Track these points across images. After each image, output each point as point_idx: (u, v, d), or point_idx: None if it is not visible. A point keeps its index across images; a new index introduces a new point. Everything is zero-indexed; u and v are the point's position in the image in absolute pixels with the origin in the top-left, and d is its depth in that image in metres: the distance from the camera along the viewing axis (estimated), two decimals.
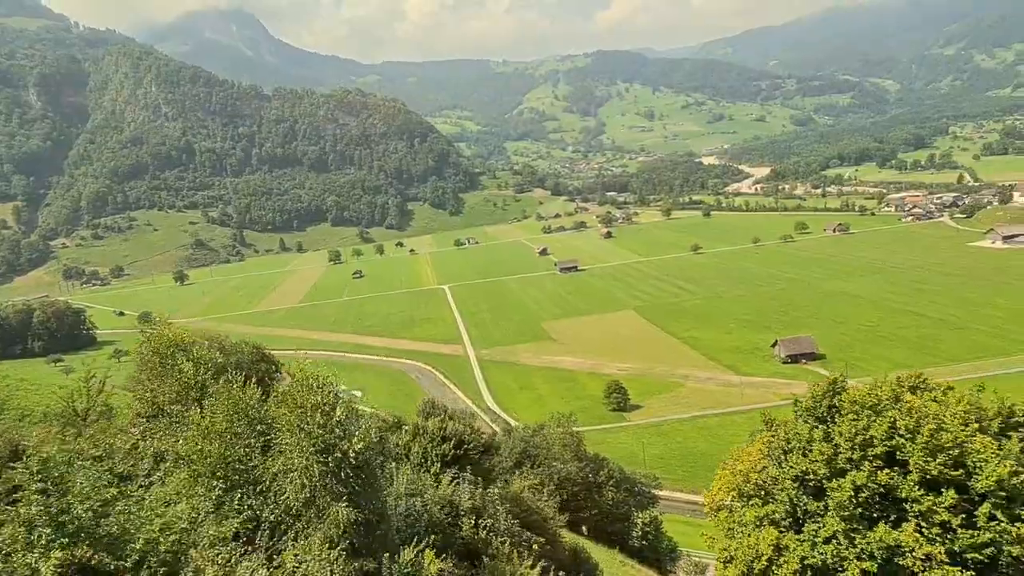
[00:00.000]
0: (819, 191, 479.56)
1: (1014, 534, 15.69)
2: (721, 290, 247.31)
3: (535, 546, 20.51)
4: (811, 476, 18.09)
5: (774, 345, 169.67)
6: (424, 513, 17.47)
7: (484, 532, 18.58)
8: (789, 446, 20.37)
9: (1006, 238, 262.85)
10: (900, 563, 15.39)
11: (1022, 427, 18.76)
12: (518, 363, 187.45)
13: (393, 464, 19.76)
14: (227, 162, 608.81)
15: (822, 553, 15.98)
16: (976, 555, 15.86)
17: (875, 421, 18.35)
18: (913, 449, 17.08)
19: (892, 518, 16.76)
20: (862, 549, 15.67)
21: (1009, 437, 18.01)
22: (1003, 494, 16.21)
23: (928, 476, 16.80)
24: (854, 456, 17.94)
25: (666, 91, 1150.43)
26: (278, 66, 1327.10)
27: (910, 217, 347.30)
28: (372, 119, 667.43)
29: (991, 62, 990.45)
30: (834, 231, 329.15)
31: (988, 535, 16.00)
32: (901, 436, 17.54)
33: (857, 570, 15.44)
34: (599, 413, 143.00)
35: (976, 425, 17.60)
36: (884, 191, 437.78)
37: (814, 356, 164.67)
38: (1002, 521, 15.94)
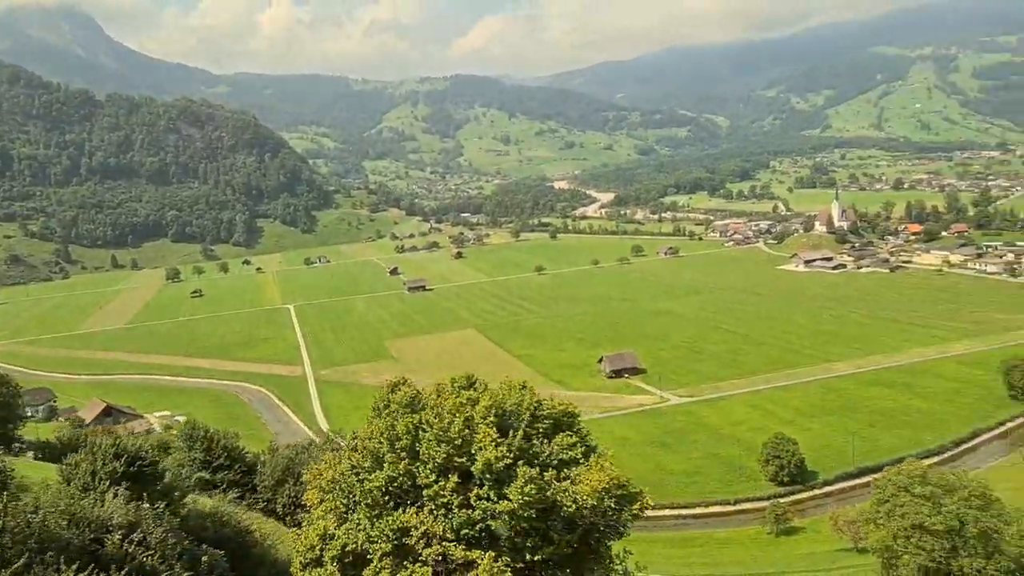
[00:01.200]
0: (656, 216, 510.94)
1: (498, 510, 18.31)
2: (559, 309, 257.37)
3: (205, 558, 21.24)
4: (359, 469, 20.14)
5: (600, 361, 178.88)
6: (39, 530, 17.68)
7: (132, 546, 19.07)
8: (354, 443, 22.61)
9: (807, 262, 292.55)
10: (407, 542, 17.56)
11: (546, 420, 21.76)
12: (356, 383, 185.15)
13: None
14: (51, 171, 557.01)
15: (355, 540, 17.88)
16: (469, 531, 18.36)
17: (405, 417, 20.80)
18: (427, 440, 19.53)
19: (413, 504, 19.00)
20: (380, 532, 17.70)
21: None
22: (491, 476, 18.84)
23: (438, 463, 19.21)
24: (382, 450, 20.21)
25: (522, 117, 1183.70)
26: (120, 71, 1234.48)
27: (731, 242, 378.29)
28: (219, 131, 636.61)
29: (804, 105, 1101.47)
30: (665, 254, 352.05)
31: (477, 512, 18.55)
32: (422, 430, 20.02)
33: (379, 551, 17.47)
34: None
35: (492, 419, 20.26)
36: (712, 218, 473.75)
37: (636, 370, 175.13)
38: (492, 499, 18.54)
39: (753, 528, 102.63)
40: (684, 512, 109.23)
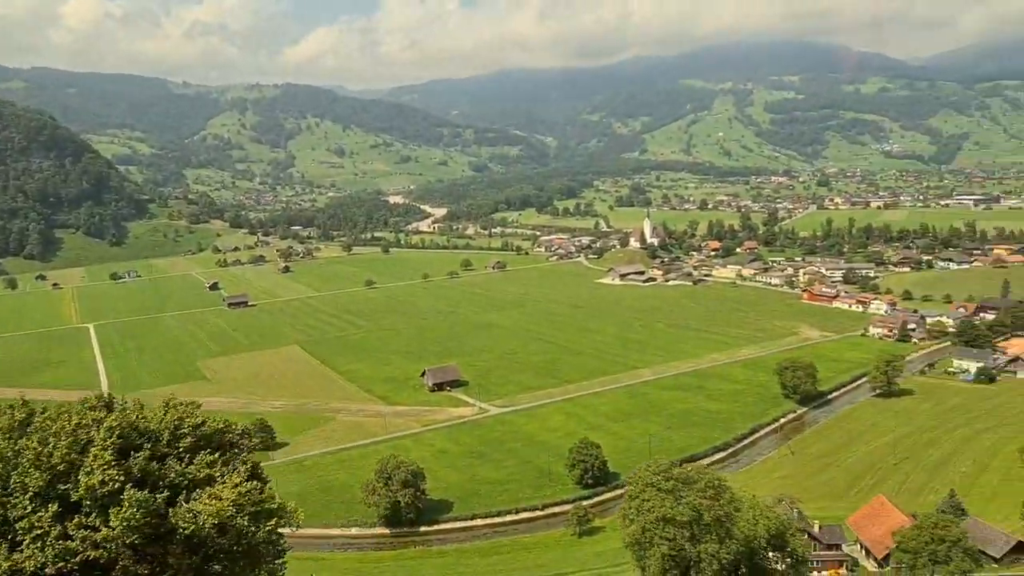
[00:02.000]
0: (487, 232, 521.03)
1: (98, 538, 17.53)
2: (387, 323, 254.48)
3: None
4: None
5: (423, 374, 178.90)
6: None
7: None
8: None
9: (621, 276, 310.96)
10: None
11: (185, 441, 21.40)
12: None
13: None
14: None
15: None
16: (67, 563, 17.40)
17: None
18: (22, 467, 18.43)
19: (11, 537, 17.71)
20: None
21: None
22: (94, 503, 18.12)
23: (36, 491, 18.14)
24: None
25: (357, 130, 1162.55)
26: None
27: (555, 257, 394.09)
28: (8, 130, 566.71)
29: (625, 130, 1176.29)
30: (493, 268, 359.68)
31: (76, 543, 17.65)
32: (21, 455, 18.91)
33: None
34: None
35: (115, 441, 19.48)
36: (539, 233, 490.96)
37: (458, 383, 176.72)
38: (95, 527, 17.72)
39: (559, 531, 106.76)
40: (496, 520, 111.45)
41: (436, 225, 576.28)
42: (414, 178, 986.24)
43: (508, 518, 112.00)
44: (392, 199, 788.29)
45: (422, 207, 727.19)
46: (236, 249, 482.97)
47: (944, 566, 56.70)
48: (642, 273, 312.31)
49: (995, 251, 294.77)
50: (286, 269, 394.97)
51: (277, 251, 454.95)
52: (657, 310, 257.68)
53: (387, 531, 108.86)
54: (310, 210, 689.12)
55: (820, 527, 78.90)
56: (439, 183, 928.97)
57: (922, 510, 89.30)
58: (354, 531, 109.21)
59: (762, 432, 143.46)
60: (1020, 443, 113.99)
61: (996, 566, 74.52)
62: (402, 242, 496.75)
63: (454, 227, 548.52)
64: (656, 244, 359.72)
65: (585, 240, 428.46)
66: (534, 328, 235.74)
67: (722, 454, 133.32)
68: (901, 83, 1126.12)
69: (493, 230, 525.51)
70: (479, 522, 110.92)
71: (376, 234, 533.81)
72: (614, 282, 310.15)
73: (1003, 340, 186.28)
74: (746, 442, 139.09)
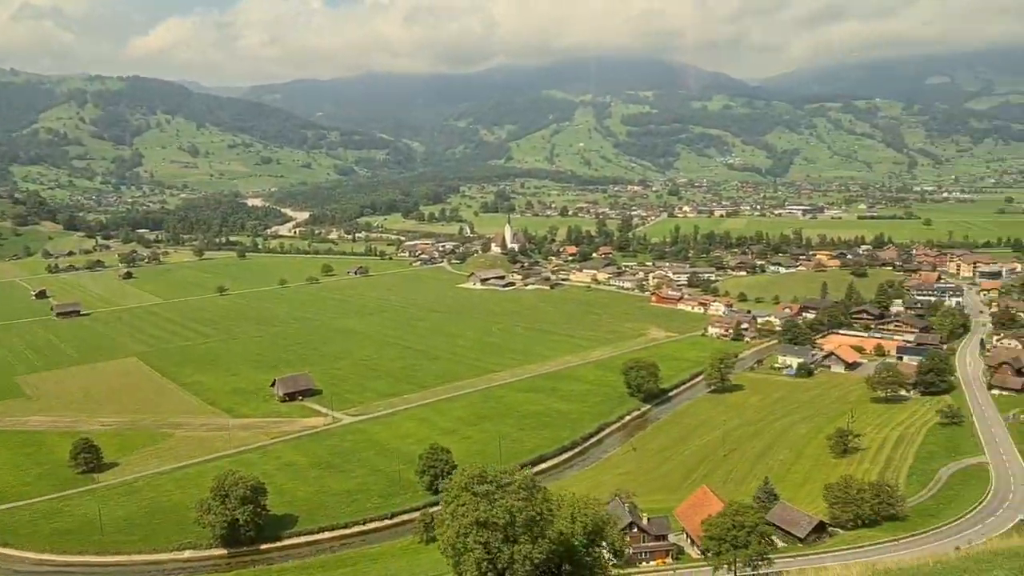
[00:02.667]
0: (351, 236, 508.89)
1: None
2: (238, 331, 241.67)
3: None
4: None
5: (273, 384, 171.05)
6: None
7: None
8: None
9: (483, 280, 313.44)
10: None
11: None
12: None
13: None
14: None
15: None
16: None
17: None
18: None
19: None
20: None
21: None
22: None
23: None
24: None
25: (212, 128, 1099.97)
26: None
27: (419, 262, 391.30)
28: None
29: (491, 137, 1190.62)
30: (355, 273, 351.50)
31: None
32: None
33: None
34: (63, 478, 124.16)
35: None
36: (403, 239, 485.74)
37: (312, 392, 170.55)
38: None
39: (407, 539, 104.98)
40: (343, 533, 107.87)
41: (298, 229, 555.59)
42: (276, 180, 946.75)
43: (356, 529, 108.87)
44: (251, 202, 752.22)
45: (283, 211, 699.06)
46: (71, 254, 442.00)
47: (744, 550, 61.10)
48: (502, 278, 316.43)
49: (817, 256, 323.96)
50: (128, 275, 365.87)
51: (119, 256, 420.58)
52: (516, 314, 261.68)
53: (224, 552, 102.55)
54: (159, 212, 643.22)
55: (649, 519, 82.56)
56: (302, 186, 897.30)
57: (742, 498, 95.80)
58: (187, 554, 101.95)
59: (609, 430, 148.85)
60: (829, 431, 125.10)
61: (801, 545, 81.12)
62: (260, 247, 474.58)
63: (317, 231, 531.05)
64: (517, 249, 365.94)
65: (449, 245, 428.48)
66: (393, 334, 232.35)
67: (570, 453, 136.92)
68: (742, 101, 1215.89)
69: (357, 235, 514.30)
70: (325, 535, 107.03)
71: (232, 238, 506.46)
72: (475, 287, 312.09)
73: (821, 337, 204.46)
74: (593, 440, 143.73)
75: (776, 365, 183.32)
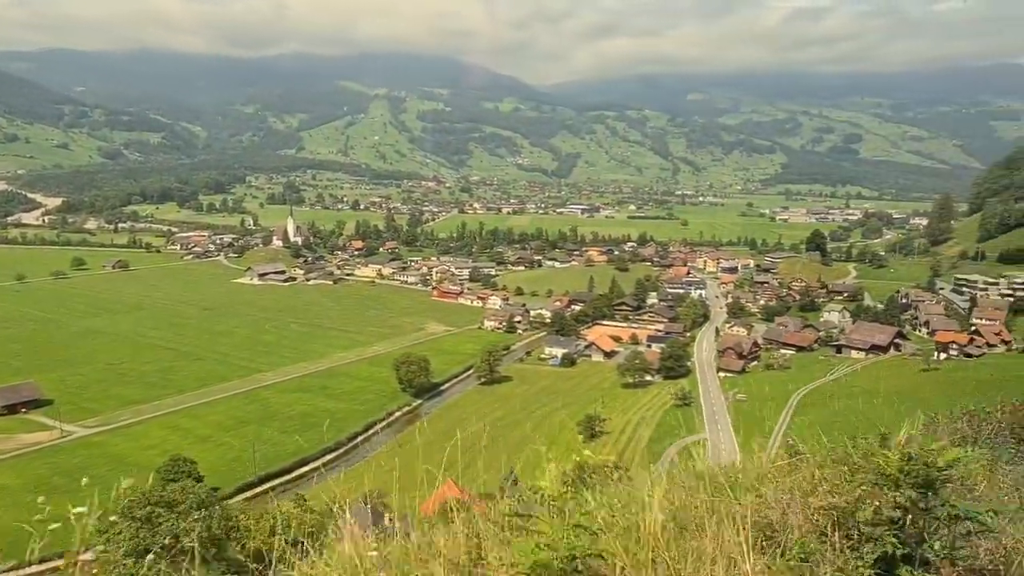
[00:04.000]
0: (113, 227, 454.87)
1: None
2: None
3: None
4: None
5: None
6: None
7: None
8: None
9: (261, 275, 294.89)
10: None
11: None
12: None
13: None
14: None
15: None
16: None
17: None
18: None
19: None
20: None
21: None
22: None
23: None
24: None
25: None
26: None
27: (191, 255, 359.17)
28: None
29: (282, 125, 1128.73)
30: (112, 268, 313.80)
31: None
32: None
33: None
34: None
35: None
36: (177, 230, 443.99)
37: (38, 403, 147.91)
38: None
39: None
40: (55, 564, 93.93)
41: (47, 217, 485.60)
42: (24, 161, 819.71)
43: (61, 563, 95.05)
44: None
45: (32, 196, 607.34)
46: None
47: None
48: (283, 272, 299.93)
49: (589, 252, 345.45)
50: None
51: None
52: (293, 310, 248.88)
53: None
54: None
55: (390, 518, 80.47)
56: (58, 169, 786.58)
57: (493, 486, 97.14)
58: None
59: (378, 428, 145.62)
60: (582, 418, 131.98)
61: None
62: None
63: (70, 220, 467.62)
64: (300, 243, 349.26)
65: (227, 238, 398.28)
66: (152, 334, 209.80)
67: (335, 454, 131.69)
68: (531, 105, 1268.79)
69: (121, 225, 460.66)
70: (33, 570, 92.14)
71: None
72: (252, 282, 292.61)
73: (587, 328, 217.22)
74: (360, 439, 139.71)
75: (542, 356, 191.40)
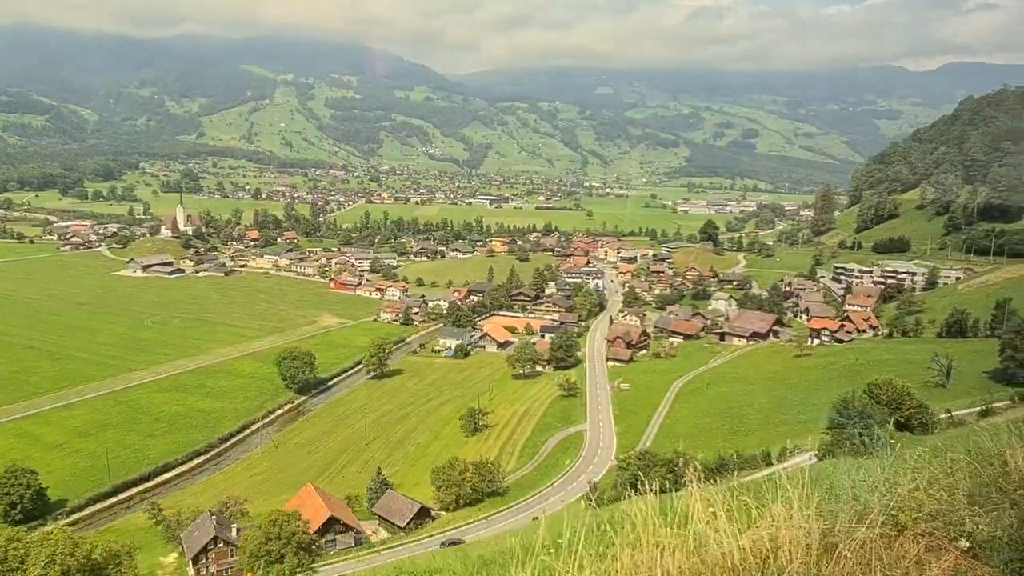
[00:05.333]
0: None
1: None
2: None
3: None
4: None
5: None
6: None
7: None
8: None
9: (145, 267, 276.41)
10: None
11: None
12: None
13: None
14: None
15: None
16: None
17: None
18: None
19: None
20: None
21: None
22: None
23: None
24: None
25: None
26: None
27: (69, 246, 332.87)
28: None
29: (181, 110, 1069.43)
30: None
31: None
32: None
33: None
34: None
35: None
36: (56, 219, 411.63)
37: None
38: None
39: None
40: None
41: None
42: None
43: None
44: None
45: None
46: None
47: (278, 564, 56.32)
48: (170, 264, 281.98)
49: (492, 243, 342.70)
50: None
51: None
52: (178, 304, 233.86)
53: None
54: None
55: (238, 530, 74.33)
56: None
57: (359, 491, 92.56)
58: None
59: (255, 427, 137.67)
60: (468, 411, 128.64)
61: (403, 534, 79.62)
62: None
63: None
64: (191, 233, 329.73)
65: (112, 228, 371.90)
66: (13, 332, 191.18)
67: (204, 457, 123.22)
68: (442, 95, 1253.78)
69: None
70: None
71: None
72: (135, 274, 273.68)
73: (484, 319, 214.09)
74: (235, 440, 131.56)
75: (437, 348, 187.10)
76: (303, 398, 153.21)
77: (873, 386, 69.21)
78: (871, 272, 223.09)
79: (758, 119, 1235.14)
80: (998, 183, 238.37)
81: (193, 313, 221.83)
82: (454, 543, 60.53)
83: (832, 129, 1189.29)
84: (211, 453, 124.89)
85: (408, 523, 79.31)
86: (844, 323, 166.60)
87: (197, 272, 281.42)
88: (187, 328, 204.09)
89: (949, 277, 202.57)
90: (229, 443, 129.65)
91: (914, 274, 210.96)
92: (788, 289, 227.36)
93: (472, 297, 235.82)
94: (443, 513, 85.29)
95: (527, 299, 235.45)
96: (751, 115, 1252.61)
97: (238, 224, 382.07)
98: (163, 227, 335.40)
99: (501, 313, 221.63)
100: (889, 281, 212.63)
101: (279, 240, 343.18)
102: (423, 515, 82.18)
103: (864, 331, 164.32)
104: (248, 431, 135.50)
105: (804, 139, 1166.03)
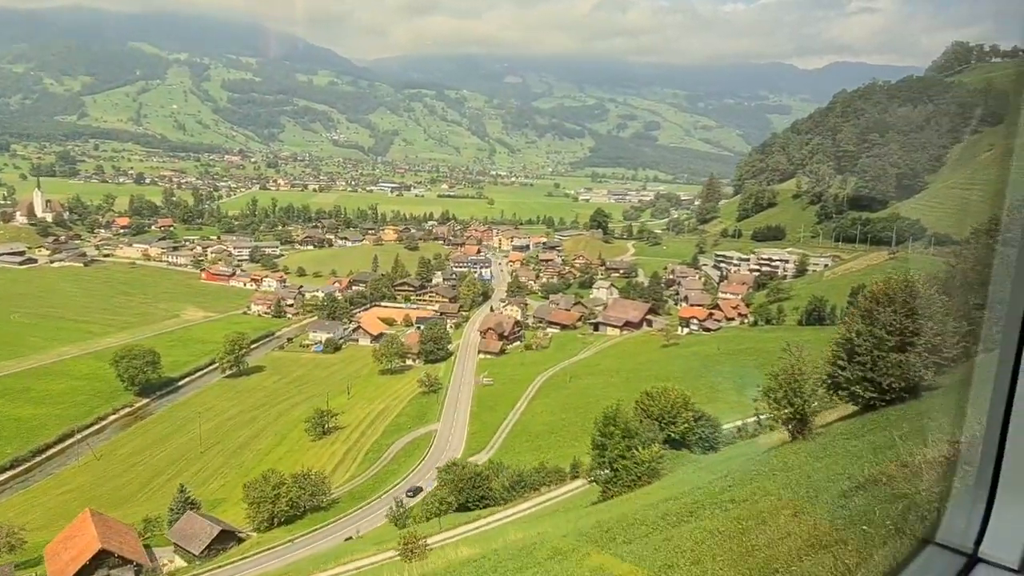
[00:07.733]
0: None
1: None
2: None
3: None
4: None
5: None
6: None
7: None
8: None
9: None
10: None
11: None
12: None
13: None
14: None
15: None
16: None
17: None
18: None
19: None
20: None
21: None
22: None
23: None
24: None
25: None
26: None
27: None
28: None
29: (61, 88, 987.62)
30: None
31: None
32: None
33: None
34: None
35: None
36: None
37: None
38: None
39: None
40: None
41: None
42: None
43: None
44: None
45: None
46: None
47: None
48: (21, 253, 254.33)
49: (385, 231, 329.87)
50: None
51: None
52: (23, 297, 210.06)
53: None
54: None
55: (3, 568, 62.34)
56: None
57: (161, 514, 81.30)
58: None
59: (79, 436, 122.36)
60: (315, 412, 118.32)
61: (198, 562, 69.47)
62: None
63: None
64: (51, 220, 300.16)
65: None
66: None
67: (9, 474, 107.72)
68: (347, 80, 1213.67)
69: None
70: None
71: None
72: None
73: (364, 311, 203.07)
74: (52, 451, 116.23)
75: (305, 342, 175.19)
76: (144, 401, 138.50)
77: (645, 396, 64.05)
78: (748, 260, 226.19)
79: (660, 112, 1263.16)
80: (865, 173, 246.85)
81: (38, 308, 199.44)
82: None
83: (728, 122, 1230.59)
84: (19, 468, 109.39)
85: (205, 549, 69.09)
86: (713, 311, 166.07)
87: (52, 262, 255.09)
88: (26, 324, 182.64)
89: (818, 265, 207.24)
90: (44, 455, 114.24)
91: (787, 261, 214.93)
92: (671, 277, 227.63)
93: (355, 287, 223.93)
94: (253, 534, 75.47)
95: (412, 289, 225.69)
96: (653, 107, 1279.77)
97: (109, 210, 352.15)
98: (17, 213, 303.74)
99: (383, 304, 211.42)
100: (764, 269, 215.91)
101: (153, 228, 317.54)
102: (226, 538, 72.10)
103: (733, 319, 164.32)
104: (69, 441, 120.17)
105: (703, 132, 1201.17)
